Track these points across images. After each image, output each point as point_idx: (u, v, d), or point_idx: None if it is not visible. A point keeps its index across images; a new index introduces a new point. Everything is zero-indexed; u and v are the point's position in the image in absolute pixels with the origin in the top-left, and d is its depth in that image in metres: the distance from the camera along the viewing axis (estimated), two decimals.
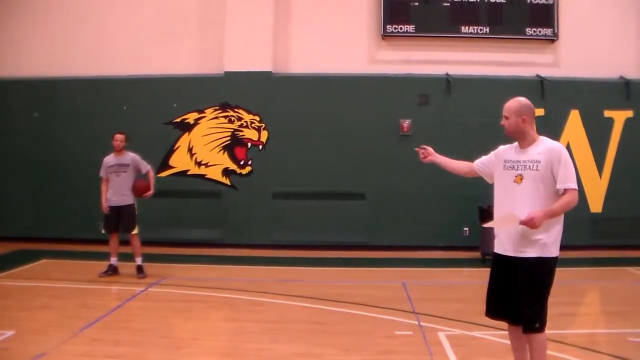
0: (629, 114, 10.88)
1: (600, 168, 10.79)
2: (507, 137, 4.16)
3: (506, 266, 3.91)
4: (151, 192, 8.03)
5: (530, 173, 3.82)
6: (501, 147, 4.17)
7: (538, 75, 10.85)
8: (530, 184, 3.82)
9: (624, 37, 11.25)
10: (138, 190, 7.95)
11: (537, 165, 3.82)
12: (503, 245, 3.93)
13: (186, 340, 5.53)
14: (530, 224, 3.68)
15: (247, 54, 10.69)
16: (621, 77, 11.03)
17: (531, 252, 3.80)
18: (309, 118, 10.68)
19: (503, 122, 4.02)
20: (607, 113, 10.86)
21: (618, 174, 10.79)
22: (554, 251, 3.84)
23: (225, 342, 5.59)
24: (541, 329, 3.86)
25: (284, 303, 6.83)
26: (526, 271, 3.81)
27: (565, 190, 3.78)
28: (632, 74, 11.09)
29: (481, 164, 4.30)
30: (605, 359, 4.96)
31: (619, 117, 10.88)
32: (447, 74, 10.69)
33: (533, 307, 3.82)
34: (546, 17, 10.88)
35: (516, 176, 3.86)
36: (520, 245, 3.83)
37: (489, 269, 4.23)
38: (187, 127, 10.77)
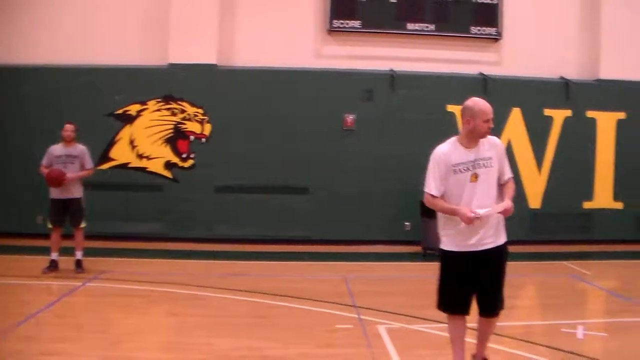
0: (568, 113, 11.74)
1: (539, 165, 11.61)
2: (442, 134, 4.70)
3: (480, 260, 4.27)
4: (65, 183, 7.98)
5: (484, 170, 4.26)
6: (438, 155, 4.33)
7: (481, 74, 11.56)
8: (485, 180, 4.27)
9: (565, 38, 12.06)
10: (52, 180, 7.94)
11: (490, 162, 4.28)
12: (481, 241, 4.25)
13: (125, 336, 5.64)
14: (510, 212, 4.26)
15: (192, 46, 10.99)
16: (561, 78, 11.86)
17: (503, 239, 4.35)
18: (253, 112, 11.05)
19: (491, 125, 4.27)
20: (547, 112, 11.68)
21: (556, 171, 11.61)
22: None
23: (165, 337, 5.80)
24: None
25: (225, 297, 7.10)
26: (502, 257, 4.36)
27: (508, 179, 4.44)
28: (571, 74, 11.94)
29: (440, 190, 4.32)
30: (540, 349, 5.38)
31: (558, 116, 11.73)
32: (391, 70, 11.28)
33: (502, 290, 4.40)
34: (490, 16, 11.61)
35: (471, 175, 4.25)
36: (496, 236, 4.30)
37: (435, 264, 4.63)
38: (129, 119, 11.04)
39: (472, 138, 4.29)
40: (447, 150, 4.33)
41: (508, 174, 4.46)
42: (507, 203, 4.26)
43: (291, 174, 11.19)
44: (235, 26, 11.47)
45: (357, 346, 5.40)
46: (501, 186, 4.43)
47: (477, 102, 4.31)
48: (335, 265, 9.55)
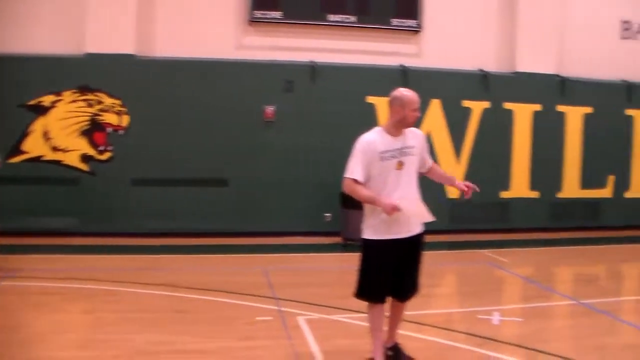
0: (486, 104, 12.19)
1: (458, 155, 12.03)
2: (362, 125, 4.93)
3: (403, 247, 4.53)
4: None
5: (409, 158, 4.51)
6: (365, 142, 4.49)
7: (402, 65, 11.85)
8: (409, 168, 4.53)
9: (484, 31, 12.49)
10: None
11: (413, 150, 4.55)
12: (402, 229, 4.50)
13: (38, 335, 5.57)
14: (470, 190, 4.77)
15: (109, 35, 10.85)
16: (480, 70, 12.32)
17: (420, 228, 4.65)
18: (173, 103, 11.02)
19: (419, 114, 4.57)
20: (466, 103, 12.10)
21: (475, 161, 12.04)
22: None
23: (81, 334, 5.69)
24: None
25: (144, 292, 7.07)
26: (421, 244, 4.69)
27: (431, 164, 4.90)
28: (490, 67, 12.40)
29: (363, 175, 4.47)
30: (458, 336, 5.69)
31: (477, 107, 12.17)
32: (312, 62, 11.42)
33: (419, 275, 4.75)
34: (411, 8, 11.86)
35: (397, 163, 4.47)
36: (416, 225, 4.59)
37: (355, 255, 4.82)
38: (42, 111, 10.83)
39: (399, 127, 4.51)
40: (374, 138, 4.50)
41: (430, 161, 4.86)
42: (467, 184, 4.82)
43: (211, 166, 11.21)
44: (155, 16, 11.37)
45: (277, 338, 5.53)
46: (423, 174, 4.82)
47: (406, 93, 4.55)
48: (255, 257, 9.70)
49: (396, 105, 4.50)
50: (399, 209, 4.31)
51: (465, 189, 4.81)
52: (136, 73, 11.10)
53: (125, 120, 11.10)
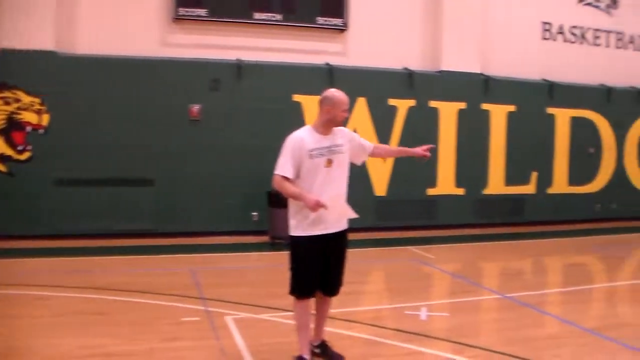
0: (412, 102, 12.61)
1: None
2: (289, 124, 5.11)
3: (329, 243, 4.73)
4: None
5: (338, 156, 4.70)
6: (294, 140, 4.66)
7: (327, 64, 12.15)
8: (339, 166, 4.71)
9: (409, 31, 12.92)
10: None
11: (342, 149, 4.73)
12: (328, 226, 4.68)
13: None
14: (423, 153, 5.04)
15: (28, 31, 10.65)
16: (405, 68, 12.76)
17: (345, 224, 4.85)
18: (95, 101, 10.92)
19: (347, 114, 4.75)
20: (391, 101, 12.47)
21: (401, 159, 12.28)
22: None
23: (1, 342, 5.50)
24: None
25: (66, 295, 6.99)
26: (345, 241, 4.88)
27: (372, 145, 5.10)
28: (415, 65, 12.84)
29: (292, 172, 4.65)
30: (386, 332, 5.86)
31: (402, 105, 12.55)
32: (238, 60, 11.54)
33: (344, 270, 4.94)
34: (337, 7, 12.13)
35: (326, 161, 4.64)
36: (341, 222, 4.78)
37: (282, 253, 4.96)
38: None
39: (328, 126, 4.70)
40: (303, 136, 4.66)
41: (370, 145, 5.08)
42: (426, 149, 5.09)
43: (136, 165, 11.17)
44: (76, 11, 11.23)
45: (204, 338, 5.57)
46: (373, 157, 5.19)
47: (337, 93, 4.73)
48: (182, 257, 9.73)
49: (326, 104, 4.67)
50: (323, 205, 4.47)
51: (424, 153, 5.08)
52: (57, 70, 10.92)
53: (45, 119, 10.93)
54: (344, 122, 4.80)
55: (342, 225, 4.82)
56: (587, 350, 5.53)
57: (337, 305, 5.78)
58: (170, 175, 11.35)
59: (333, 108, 4.65)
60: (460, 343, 5.59)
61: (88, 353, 5.16)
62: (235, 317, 6.23)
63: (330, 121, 4.69)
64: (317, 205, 4.45)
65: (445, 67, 12.94)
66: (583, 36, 14.91)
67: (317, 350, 5.02)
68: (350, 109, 11.36)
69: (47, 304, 6.73)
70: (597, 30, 15.03)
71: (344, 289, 5.06)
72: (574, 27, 14.78)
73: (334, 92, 4.74)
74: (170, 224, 11.38)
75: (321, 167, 4.63)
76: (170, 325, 5.97)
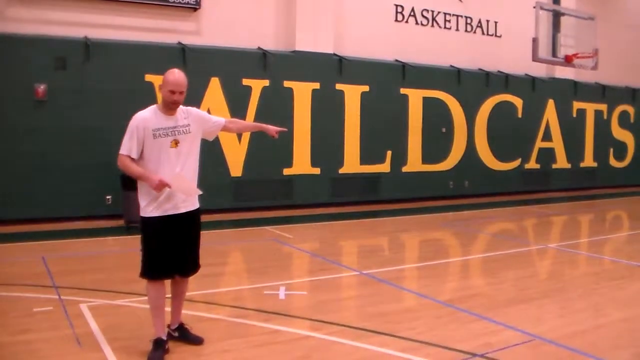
0: (266, 82, 13.77)
1: (239, 134, 13.41)
2: (141, 104, 5.42)
3: (179, 223, 5.02)
4: None
5: (185, 137, 5.00)
6: (138, 120, 4.95)
7: (180, 43, 13.00)
8: (186, 147, 5.02)
9: (263, 10, 14.06)
10: None
11: (188, 129, 5.03)
12: (177, 205, 5.01)
13: None
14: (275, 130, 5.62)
15: None
16: (259, 48, 13.92)
17: (196, 204, 5.17)
18: None
19: (178, 97, 4.93)
20: (245, 81, 13.53)
21: (256, 140, 13.44)
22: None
23: None
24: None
25: None
26: (197, 221, 5.19)
27: (225, 121, 5.48)
28: (269, 45, 14.01)
29: (136, 152, 4.97)
30: (247, 312, 6.32)
31: (257, 85, 13.66)
32: (86, 38, 12.07)
33: (198, 251, 5.28)
34: None
35: (172, 141, 4.93)
36: (191, 202, 5.10)
37: (138, 237, 5.13)
38: None
39: (166, 106, 4.97)
40: (147, 116, 4.93)
41: (221, 120, 5.44)
42: (269, 128, 5.68)
43: None
44: None
45: (58, 328, 5.68)
46: (228, 131, 5.59)
47: (169, 74, 4.97)
48: (31, 245, 9.84)
49: (161, 84, 4.98)
50: (167, 184, 4.79)
51: (273, 134, 5.70)
52: None
53: None
54: (178, 105, 5.06)
55: (193, 205, 5.14)
56: (441, 322, 6.14)
57: (196, 288, 6.39)
58: (16, 159, 11.62)
59: (162, 87, 4.94)
60: (318, 320, 6.05)
61: None
62: (91, 304, 6.42)
63: (163, 101, 4.97)
64: (161, 185, 4.76)
65: (299, 47, 14.17)
66: (434, 19, 16.93)
67: (175, 334, 5.35)
68: (203, 89, 12.80)
69: None
70: (447, 14, 17.10)
71: (202, 270, 5.42)
72: (425, 10, 16.72)
73: (169, 72, 4.98)
74: (18, 209, 11.65)
75: (166, 147, 4.90)
76: (20, 317, 5.99)
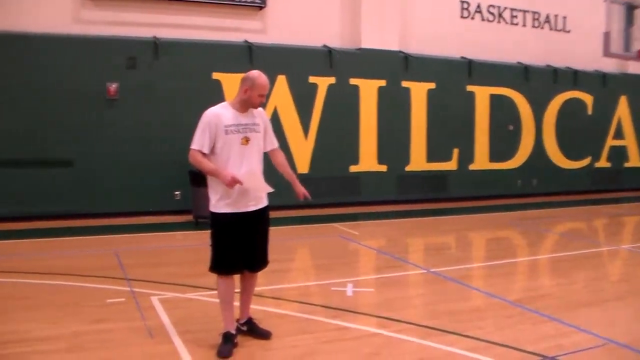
0: (332, 80, 13.63)
1: (306, 131, 13.35)
2: (208, 102, 5.37)
3: (249, 220, 5.02)
4: None
5: (254, 135, 5.00)
6: (211, 115, 4.95)
7: (246, 41, 12.99)
8: (255, 145, 5.01)
9: (328, 8, 13.94)
10: None
11: (258, 128, 5.04)
12: (248, 202, 5.01)
13: None
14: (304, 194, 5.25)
15: None
16: (325, 46, 13.81)
17: (266, 201, 5.15)
18: (8, 80, 11.27)
19: (264, 99, 5.01)
20: (312, 79, 13.45)
21: (322, 137, 13.40)
22: None
23: None
24: None
25: None
26: (266, 217, 5.19)
27: (275, 148, 5.38)
28: (335, 43, 13.88)
29: (208, 147, 4.96)
30: (314, 308, 6.23)
31: (323, 83, 13.55)
32: (155, 37, 12.19)
33: (267, 247, 5.30)
34: None
35: (242, 138, 4.93)
36: (261, 199, 5.10)
37: (206, 232, 5.22)
38: None
39: (244, 105, 4.97)
40: (219, 112, 4.93)
41: (275, 143, 5.35)
42: (299, 187, 5.35)
43: (54, 146, 11.60)
44: None
45: (130, 319, 5.76)
46: (266, 153, 5.26)
47: (259, 77, 4.97)
48: (105, 239, 10.04)
49: (246, 85, 4.91)
50: (239, 181, 4.77)
51: (301, 196, 5.35)
52: None
53: None
54: (261, 106, 5.08)
55: (263, 203, 5.13)
56: (510, 322, 5.95)
57: (264, 283, 6.33)
58: (90, 156, 11.84)
59: (251, 89, 4.91)
60: (385, 318, 5.96)
61: (9, 339, 5.27)
62: (161, 297, 6.47)
63: (246, 102, 4.96)
64: (233, 181, 4.76)
65: (365, 45, 13.99)
66: (501, 15, 16.46)
67: (244, 328, 5.33)
68: (270, 87, 12.60)
69: None
70: (514, 9, 16.60)
71: (271, 266, 5.40)
72: (492, 6, 16.27)
73: (256, 75, 4.98)
74: (92, 205, 11.88)
75: (237, 144, 4.91)
76: (95, 307, 6.14)
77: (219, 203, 5.01)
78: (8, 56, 11.37)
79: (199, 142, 4.92)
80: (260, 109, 5.20)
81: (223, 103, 5.11)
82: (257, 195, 5.08)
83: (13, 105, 11.39)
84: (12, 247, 9.45)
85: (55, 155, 11.70)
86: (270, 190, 5.06)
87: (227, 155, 4.94)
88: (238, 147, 4.95)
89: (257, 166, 5.08)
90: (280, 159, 5.45)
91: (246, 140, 4.99)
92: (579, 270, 8.37)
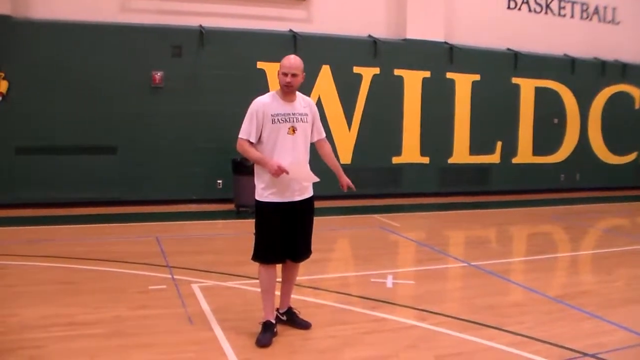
0: (376, 70, 13.48)
1: (349, 121, 13.23)
2: (253, 91, 5.42)
3: (294, 210, 5.00)
4: None
5: (301, 125, 4.96)
6: (259, 104, 4.94)
7: (291, 30, 12.90)
8: (302, 134, 4.97)
9: None
10: None
11: (306, 118, 5.00)
12: (294, 192, 4.98)
13: None
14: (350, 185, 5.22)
15: None
16: (369, 36, 13.66)
17: (311, 191, 5.13)
18: (55, 68, 11.37)
19: (290, 79, 4.84)
20: (356, 69, 13.30)
21: (365, 127, 13.27)
22: None
23: None
24: None
25: (30, 264, 7.27)
26: (311, 208, 5.16)
27: (322, 139, 5.31)
28: (379, 33, 13.71)
29: (255, 136, 4.95)
30: (353, 299, 6.24)
31: (367, 73, 13.41)
32: (200, 26, 12.20)
33: (311, 237, 5.27)
34: None
35: (289, 128, 4.92)
36: (306, 189, 5.07)
37: (248, 221, 5.35)
38: None
39: (286, 93, 4.94)
40: (266, 101, 4.92)
41: (322, 133, 5.29)
42: (344, 177, 5.33)
43: (98, 133, 11.73)
44: None
45: (171, 306, 5.83)
46: (313, 144, 5.21)
47: (284, 58, 4.96)
48: (147, 226, 10.11)
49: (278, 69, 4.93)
50: (285, 170, 4.76)
51: (345, 187, 5.32)
52: (13, 36, 11.31)
53: (3, 86, 11.38)
54: (292, 88, 4.95)
55: (308, 193, 5.11)
56: (551, 317, 5.87)
57: (304, 273, 6.24)
58: (133, 143, 11.96)
59: (278, 72, 4.94)
60: (425, 310, 5.93)
61: (52, 322, 5.35)
62: (202, 284, 6.53)
63: (280, 85, 4.95)
64: (279, 170, 4.75)
65: (410, 36, 13.82)
66: (548, 6, 16.07)
67: (283, 318, 5.36)
68: (314, 77, 12.61)
69: (7, 274, 6.92)
70: (562, 0, 16.18)
71: (311, 256, 5.36)
72: None
73: (285, 57, 4.99)
74: (134, 192, 11.98)
75: (284, 133, 4.89)
76: (137, 293, 6.23)
77: (264, 192, 5.00)
78: (55, 45, 11.51)
79: (246, 131, 4.93)
80: (309, 99, 5.19)
81: (271, 92, 5.10)
82: (302, 185, 5.05)
83: (59, 93, 11.52)
84: (56, 232, 9.53)
85: (100, 143, 11.84)
86: (316, 179, 5.04)
87: (274, 144, 4.92)
88: (284, 136, 4.92)
89: (303, 156, 5.05)
90: (326, 149, 5.39)
91: (293, 130, 4.96)
92: (621, 268, 8.14)
